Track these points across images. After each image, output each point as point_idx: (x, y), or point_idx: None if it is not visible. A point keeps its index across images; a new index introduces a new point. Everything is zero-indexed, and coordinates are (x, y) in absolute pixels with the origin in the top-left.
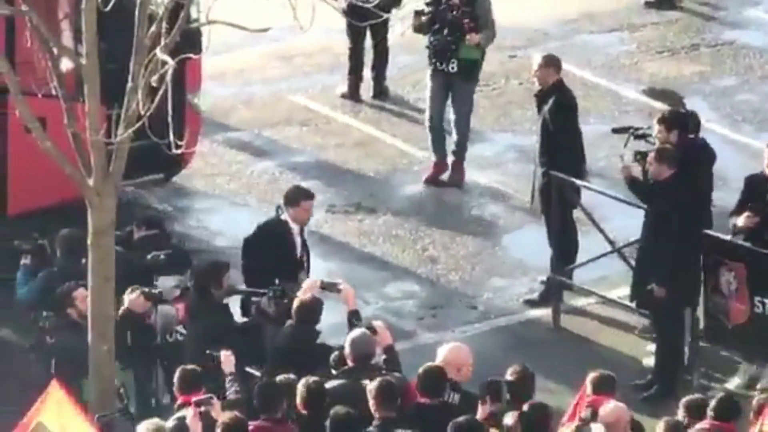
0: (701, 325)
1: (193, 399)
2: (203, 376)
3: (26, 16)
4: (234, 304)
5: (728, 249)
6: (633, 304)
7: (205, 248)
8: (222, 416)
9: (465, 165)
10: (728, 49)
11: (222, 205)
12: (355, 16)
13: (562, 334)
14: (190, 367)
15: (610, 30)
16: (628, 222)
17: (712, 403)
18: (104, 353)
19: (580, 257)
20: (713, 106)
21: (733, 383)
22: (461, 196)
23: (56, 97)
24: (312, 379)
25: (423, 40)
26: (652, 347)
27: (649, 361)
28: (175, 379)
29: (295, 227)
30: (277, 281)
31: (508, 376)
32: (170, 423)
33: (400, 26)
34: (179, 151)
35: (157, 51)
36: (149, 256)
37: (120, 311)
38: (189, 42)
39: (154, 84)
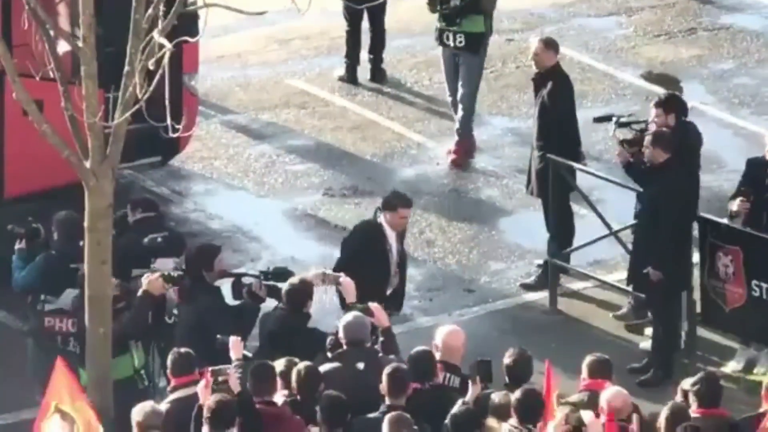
0: (698, 308)
1: (210, 368)
2: (196, 359)
3: None
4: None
5: (724, 233)
6: (629, 288)
7: (203, 231)
8: (209, 398)
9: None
10: (726, 33)
11: (219, 188)
12: None
13: (559, 318)
14: (183, 350)
15: (608, 14)
16: (625, 205)
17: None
18: (101, 336)
19: (577, 241)
20: (711, 89)
21: (731, 367)
22: (458, 180)
23: (53, 80)
24: (305, 363)
25: (419, 24)
26: (649, 331)
27: (646, 345)
28: (168, 362)
29: (390, 233)
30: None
31: (506, 359)
32: (164, 405)
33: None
34: (176, 135)
35: (155, 34)
36: (147, 240)
37: (139, 293)
38: (186, 25)
39: (151, 67)
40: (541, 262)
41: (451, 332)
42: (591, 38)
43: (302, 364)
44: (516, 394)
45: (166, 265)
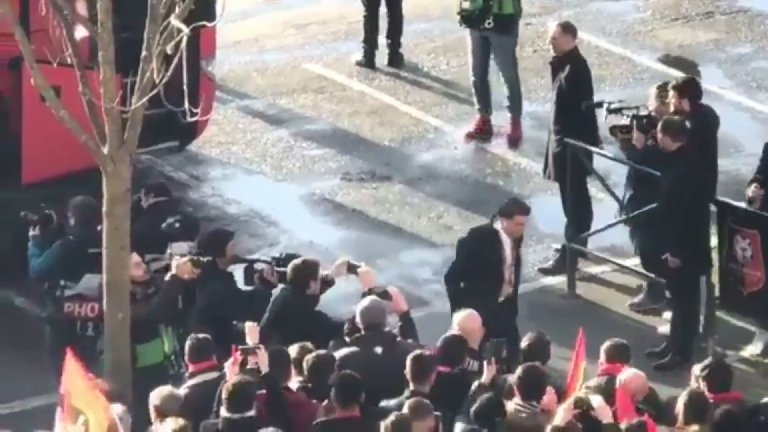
0: (716, 292)
1: (240, 347)
2: (214, 345)
3: None
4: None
5: (742, 216)
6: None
7: (220, 216)
8: (230, 379)
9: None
10: (743, 17)
11: (236, 173)
12: None
13: (577, 302)
14: (201, 335)
15: None
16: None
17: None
18: (119, 322)
19: (595, 225)
20: (728, 73)
21: (749, 350)
22: (475, 164)
23: (71, 66)
24: (318, 351)
25: (437, 8)
26: (668, 315)
27: (665, 329)
28: (186, 348)
29: (506, 239)
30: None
31: (523, 343)
32: (182, 390)
33: None
34: (194, 119)
35: (172, 19)
36: (165, 225)
37: (167, 277)
38: (203, 9)
39: (168, 52)
40: (559, 246)
41: (468, 316)
42: (608, 22)
43: (314, 352)
44: (518, 372)
45: (181, 249)
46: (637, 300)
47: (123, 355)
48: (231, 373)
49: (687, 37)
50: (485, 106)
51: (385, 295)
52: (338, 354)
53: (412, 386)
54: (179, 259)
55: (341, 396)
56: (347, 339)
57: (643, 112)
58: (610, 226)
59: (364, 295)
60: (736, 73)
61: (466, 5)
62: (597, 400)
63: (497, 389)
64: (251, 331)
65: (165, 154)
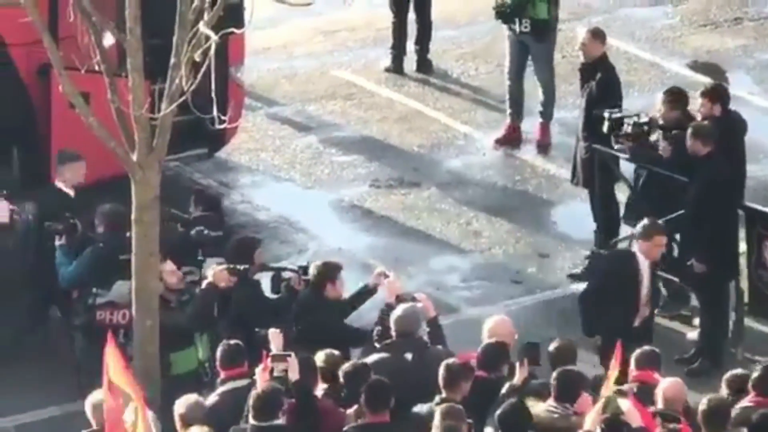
0: (746, 298)
1: (270, 354)
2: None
3: None
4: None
5: None
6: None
7: (250, 222)
8: (258, 386)
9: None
10: None
11: (265, 180)
12: None
13: None
14: (233, 342)
15: (654, 3)
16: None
17: (754, 375)
18: (148, 328)
19: (623, 230)
20: (757, 79)
21: None
22: (504, 171)
23: (99, 73)
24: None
25: (465, 14)
26: (697, 321)
27: (694, 335)
28: (218, 354)
29: (644, 261)
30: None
31: (550, 348)
32: (213, 397)
33: None
34: (222, 126)
35: (201, 26)
36: (194, 232)
37: (204, 284)
38: (232, 16)
39: (197, 59)
40: (588, 252)
41: (499, 322)
42: (637, 28)
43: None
44: (553, 374)
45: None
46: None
47: (152, 361)
48: (261, 380)
49: (715, 43)
50: (517, 113)
51: (413, 301)
52: (368, 360)
53: (444, 393)
54: (215, 267)
55: (371, 402)
56: (377, 345)
57: (643, 119)
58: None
59: (388, 305)
60: (764, 79)
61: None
62: (626, 405)
63: (525, 393)
64: (275, 337)
65: (194, 161)
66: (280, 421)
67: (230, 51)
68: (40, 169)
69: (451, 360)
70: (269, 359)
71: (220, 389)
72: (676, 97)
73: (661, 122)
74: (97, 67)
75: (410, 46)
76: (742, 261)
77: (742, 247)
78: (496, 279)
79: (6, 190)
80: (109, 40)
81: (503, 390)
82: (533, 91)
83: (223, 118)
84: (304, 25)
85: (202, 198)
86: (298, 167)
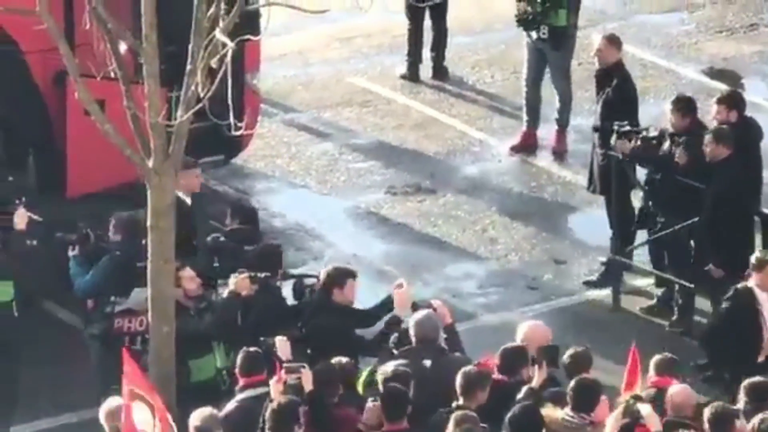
0: None
1: (284, 365)
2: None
3: None
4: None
5: None
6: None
7: (266, 229)
8: (276, 398)
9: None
10: None
11: (281, 187)
12: None
13: (622, 315)
14: (252, 349)
15: (670, 10)
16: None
17: None
18: (164, 335)
19: (640, 238)
20: None
21: None
22: (520, 177)
23: (115, 80)
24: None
25: (481, 22)
26: None
27: None
28: (238, 361)
29: (762, 294)
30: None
31: (565, 357)
32: (232, 404)
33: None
34: (239, 133)
35: (217, 32)
36: (209, 239)
37: (226, 293)
38: (248, 23)
39: (213, 66)
40: (604, 259)
41: (534, 326)
42: (653, 34)
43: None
44: (571, 383)
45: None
46: (674, 319)
47: (168, 368)
48: (275, 391)
49: (731, 49)
50: (533, 119)
51: (428, 307)
52: (386, 366)
53: (461, 401)
54: (237, 276)
55: (389, 410)
56: (394, 351)
57: (652, 133)
58: (655, 238)
59: (394, 318)
60: None
61: (522, 7)
62: (646, 410)
63: (542, 398)
64: (282, 346)
65: (210, 167)
66: None
67: (246, 58)
68: (56, 176)
69: (468, 367)
70: (283, 370)
71: (239, 396)
72: (685, 104)
73: (672, 131)
74: (112, 74)
75: (426, 53)
76: None
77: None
78: (512, 286)
79: (23, 197)
80: (125, 47)
81: (521, 393)
82: (549, 98)
83: (239, 124)
84: (320, 32)
85: (240, 210)
86: (313, 174)
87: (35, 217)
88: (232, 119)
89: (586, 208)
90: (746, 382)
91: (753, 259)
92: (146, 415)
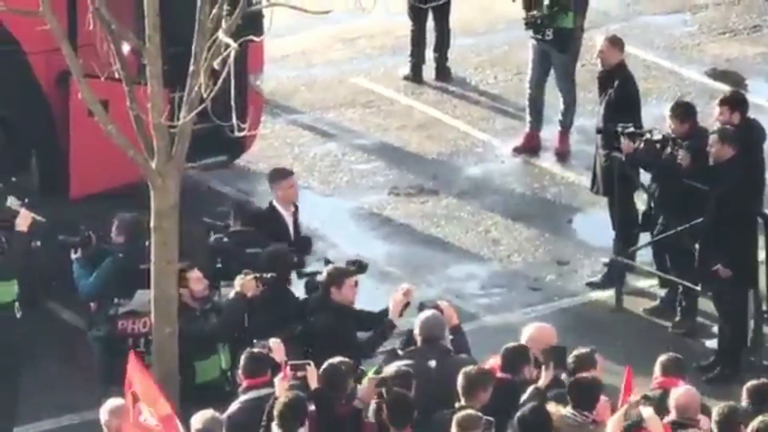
0: (765, 305)
1: (289, 363)
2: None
3: None
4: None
5: None
6: (697, 286)
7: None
8: (282, 395)
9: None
10: None
11: None
12: None
13: (625, 316)
14: (256, 350)
15: (673, 11)
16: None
17: None
18: (167, 336)
19: (643, 239)
20: None
21: None
22: (523, 178)
23: (118, 80)
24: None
25: (483, 22)
26: (716, 329)
27: (713, 343)
28: (241, 362)
29: None
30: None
31: (571, 357)
32: (235, 405)
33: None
34: (242, 134)
35: (220, 33)
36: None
37: (232, 294)
38: (251, 24)
39: (216, 67)
40: (607, 260)
41: (539, 326)
42: (656, 36)
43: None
44: (571, 382)
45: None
46: (677, 320)
47: (171, 368)
48: (280, 388)
49: (734, 50)
50: (537, 121)
51: (436, 308)
52: (392, 366)
53: (463, 401)
54: (243, 277)
55: (394, 417)
56: (400, 352)
57: (657, 136)
58: (658, 240)
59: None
60: None
61: (532, 11)
62: (647, 413)
63: (548, 397)
64: (277, 349)
65: (213, 168)
66: (304, 429)
67: (249, 59)
68: (59, 176)
69: (469, 367)
70: (288, 368)
71: (243, 398)
72: (684, 110)
73: (673, 136)
74: (116, 75)
75: (429, 54)
76: (762, 268)
77: (761, 255)
78: (515, 287)
79: (26, 198)
80: (128, 47)
81: (527, 393)
82: (553, 99)
83: (242, 125)
84: (322, 33)
85: (242, 212)
86: (316, 175)
87: (38, 217)
88: (235, 120)
89: (589, 209)
90: (749, 384)
91: None
92: (151, 418)
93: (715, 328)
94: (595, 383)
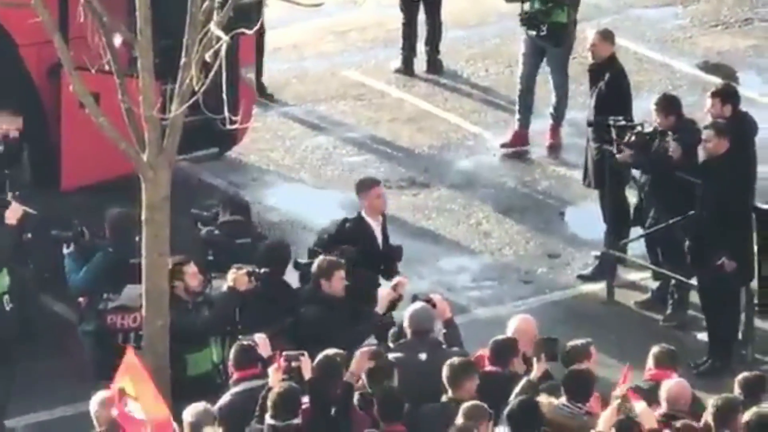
0: (755, 299)
1: (284, 353)
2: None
3: None
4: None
5: None
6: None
7: (260, 223)
8: (276, 385)
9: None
10: None
11: (276, 180)
12: None
13: (616, 309)
14: (246, 342)
15: (664, 4)
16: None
17: None
18: (159, 328)
19: (634, 232)
20: (767, 80)
21: None
22: (514, 171)
23: (110, 73)
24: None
25: (475, 15)
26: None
27: (704, 336)
28: (231, 355)
29: None
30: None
31: (566, 350)
32: (226, 397)
33: None
34: (233, 126)
35: (211, 26)
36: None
37: (225, 288)
38: (243, 17)
39: (208, 59)
40: (598, 253)
41: (523, 318)
42: (647, 29)
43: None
44: (566, 373)
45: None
46: (668, 314)
47: (162, 361)
48: (274, 379)
49: (726, 43)
50: (525, 118)
51: (428, 301)
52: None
53: (450, 393)
54: (236, 271)
55: (384, 412)
56: (391, 344)
57: (648, 129)
58: (650, 233)
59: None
60: None
61: (527, 7)
62: (640, 406)
63: (540, 390)
64: (262, 344)
65: (204, 161)
66: (298, 420)
67: (241, 51)
68: (50, 169)
69: (453, 359)
70: (282, 358)
71: (233, 390)
72: (668, 103)
73: (660, 129)
74: (107, 68)
75: (420, 46)
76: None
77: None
78: (506, 279)
79: (17, 190)
80: (119, 40)
81: (519, 386)
82: (544, 93)
83: (233, 118)
84: (314, 26)
85: (230, 203)
86: (308, 167)
87: (30, 210)
88: (226, 113)
89: (580, 202)
90: (740, 376)
91: None
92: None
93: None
94: (591, 375)
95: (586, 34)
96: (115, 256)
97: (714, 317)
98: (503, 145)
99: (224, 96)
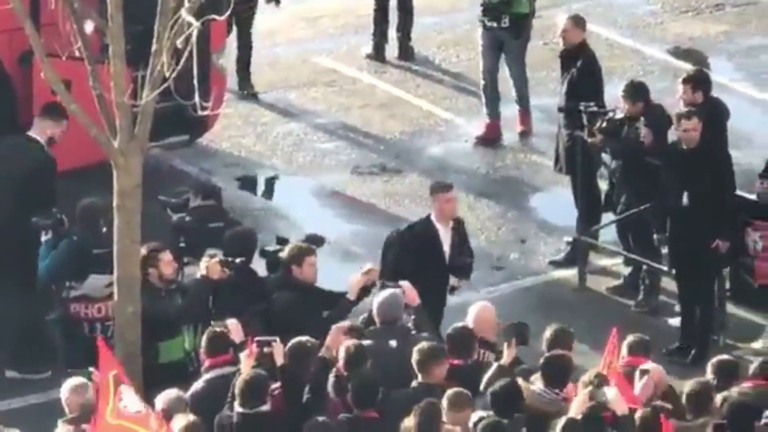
0: (727, 285)
1: (256, 338)
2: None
3: None
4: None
5: (754, 209)
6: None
7: (231, 209)
8: (245, 371)
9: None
10: (753, 9)
11: (247, 167)
12: None
13: (588, 295)
14: (218, 329)
15: None
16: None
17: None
18: (129, 315)
19: (605, 218)
20: (738, 65)
21: (760, 343)
22: (486, 157)
23: (81, 59)
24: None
25: (446, 1)
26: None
27: (675, 321)
28: (203, 342)
29: None
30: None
31: (547, 334)
32: (198, 384)
33: None
34: (204, 113)
35: (182, 12)
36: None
37: (197, 277)
38: (214, 3)
39: (179, 45)
40: (570, 239)
41: (481, 306)
42: (618, 14)
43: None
44: (543, 359)
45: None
46: (639, 299)
47: (133, 348)
48: (246, 365)
49: (697, 29)
50: (493, 110)
51: (397, 288)
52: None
53: (420, 378)
54: (209, 260)
55: (358, 399)
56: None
57: (619, 115)
58: (621, 218)
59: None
60: (746, 66)
61: None
62: (612, 393)
63: (511, 374)
64: (235, 329)
65: (175, 147)
66: (267, 407)
67: (212, 38)
68: None
69: (421, 344)
70: (254, 344)
71: (205, 376)
72: (635, 89)
73: (629, 116)
74: (78, 54)
75: (392, 33)
76: None
77: None
78: (478, 266)
79: None
80: (90, 27)
81: (491, 371)
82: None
83: (204, 104)
84: (286, 12)
85: (201, 188)
86: (279, 154)
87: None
88: (197, 99)
89: (551, 187)
90: (714, 360)
91: None
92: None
93: (678, 307)
94: (570, 362)
95: (556, 20)
96: (78, 244)
97: (687, 305)
98: (478, 139)
99: (195, 82)
